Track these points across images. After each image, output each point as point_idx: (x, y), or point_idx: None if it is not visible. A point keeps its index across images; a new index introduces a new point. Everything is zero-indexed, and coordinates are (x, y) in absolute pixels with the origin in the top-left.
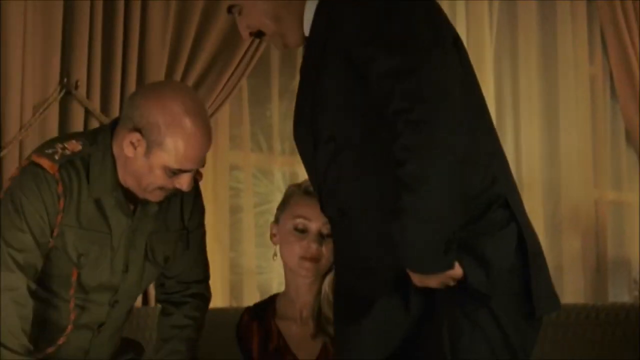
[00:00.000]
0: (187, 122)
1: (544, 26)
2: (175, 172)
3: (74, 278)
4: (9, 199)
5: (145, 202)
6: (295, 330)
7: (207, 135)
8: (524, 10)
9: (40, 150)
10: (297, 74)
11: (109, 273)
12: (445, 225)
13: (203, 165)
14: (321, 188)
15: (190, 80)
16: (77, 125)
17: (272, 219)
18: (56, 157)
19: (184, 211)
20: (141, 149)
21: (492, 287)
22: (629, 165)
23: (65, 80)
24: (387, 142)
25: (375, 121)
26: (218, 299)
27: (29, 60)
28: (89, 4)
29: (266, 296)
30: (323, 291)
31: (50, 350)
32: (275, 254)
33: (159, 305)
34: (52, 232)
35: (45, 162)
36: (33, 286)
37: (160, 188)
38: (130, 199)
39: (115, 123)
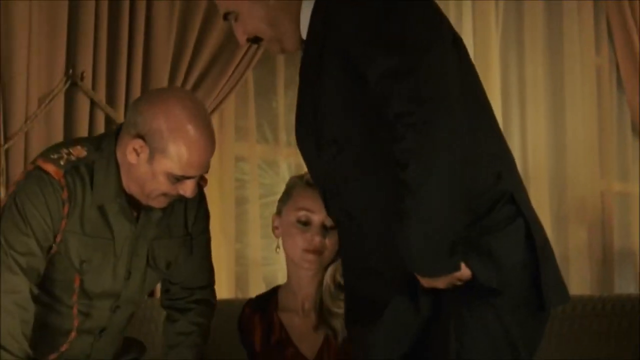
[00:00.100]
0: (190, 129)
1: (550, 17)
2: (178, 179)
3: (76, 284)
4: (13, 202)
5: (149, 209)
6: (298, 322)
7: (210, 141)
8: (529, 2)
9: (45, 155)
10: None
11: (112, 279)
12: (448, 227)
13: (207, 171)
14: (324, 188)
15: (196, 72)
16: (83, 117)
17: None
18: (61, 163)
19: (187, 217)
20: (144, 156)
21: (502, 283)
22: (636, 156)
23: (70, 71)
24: (387, 142)
25: (375, 121)
26: (224, 291)
27: (34, 51)
28: None
29: (272, 287)
30: (325, 283)
31: (52, 357)
32: (278, 247)
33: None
34: (55, 237)
35: (50, 168)
36: (35, 290)
37: (164, 194)
38: (133, 205)
39: (119, 129)
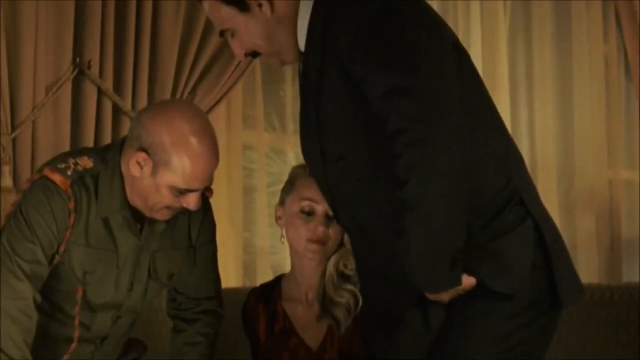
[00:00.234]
0: (194, 142)
1: (558, 5)
2: (182, 192)
3: (79, 295)
4: (19, 211)
5: (153, 221)
6: (301, 312)
7: (214, 154)
8: None
9: (52, 164)
10: None
11: (114, 291)
12: (449, 242)
13: (210, 184)
14: (334, 201)
15: (204, 60)
16: (90, 105)
17: None
18: (68, 173)
19: (191, 229)
20: (147, 169)
21: (512, 286)
22: None
23: (77, 59)
24: (391, 156)
25: (380, 137)
26: (232, 279)
27: (41, 40)
28: None
29: (276, 276)
30: (328, 273)
31: None
32: (282, 237)
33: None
34: (59, 247)
35: (57, 178)
36: (39, 298)
37: (168, 207)
38: (137, 218)
39: (124, 141)
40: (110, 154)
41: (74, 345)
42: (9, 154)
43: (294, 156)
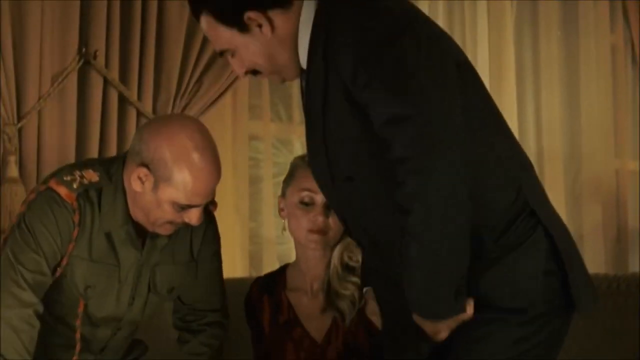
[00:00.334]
0: (195, 157)
1: None
2: (183, 207)
3: (80, 309)
4: (23, 221)
5: (155, 235)
6: (306, 302)
7: (215, 170)
8: None
9: (58, 176)
10: None
11: (115, 305)
12: (454, 271)
13: (212, 199)
14: (345, 217)
15: (210, 50)
16: (96, 95)
17: None
18: (74, 186)
19: (193, 242)
20: (149, 184)
21: (523, 298)
22: None
23: (83, 50)
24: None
25: (387, 157)
26: (238, 269)
27: (47, 30)
28: None
29: (280, 266)
30: (332, 265)
31: None
32: (284, 228)
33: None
34: (61, 259)
35: (63, 190)
36: (41, 308)
37: (170, 222)
38: (139, 232)
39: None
40: (114, 168)
41: (74, 359)
42: (14, 144)
43: (300, 146)
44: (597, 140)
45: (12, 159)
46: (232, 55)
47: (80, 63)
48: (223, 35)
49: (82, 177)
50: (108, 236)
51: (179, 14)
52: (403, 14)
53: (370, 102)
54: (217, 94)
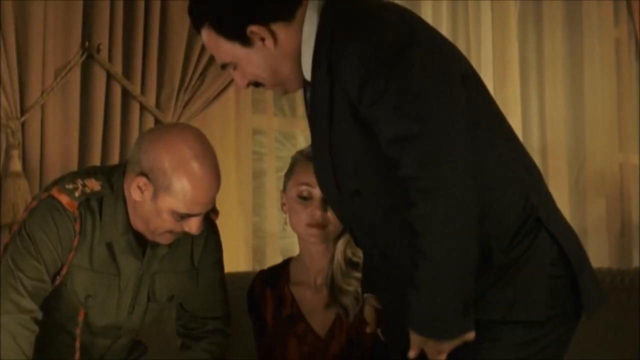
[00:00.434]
0: (195, 167)
1: None
2: (183, 216)
3: (80, 318)
4: (24, 229)
5: (155, 244)
6: (310, 296)
7: (215, 179)
8: None
9: (60, 184)
10: None
11: (115, 313)
12: (463, 289)
13: (211, 207)
14: (352, 228)
15: None
16: (99, 89)
17: None
18: (76, 195)
19: (194, 250)
20: (148, 193)
21: (536, 305)
22: None
23: (87, 44)
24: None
25: (395, 172)
26: (242, 263)
27: (50, 24)
28: None
29: (284, 260)
30: (335, 260)
31: None
32: (286, 223)
33: None
34: (61, 268)
35: (64, 199)
36: (40, 315)
37: (170, 231)
38: (140, 241)
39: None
40: (115, 177)
41: None
42: (18, 138)
43: (303, 140)
44: (601, 134)
45: (15, 153)
46: (234, 68)
47: (84, 57)
48: (225, 49)
49: (84, 185)
50: (109, 246)
51: (182, 7)
52: (406, 28)
53: (377, 120)
54: (221, 88)
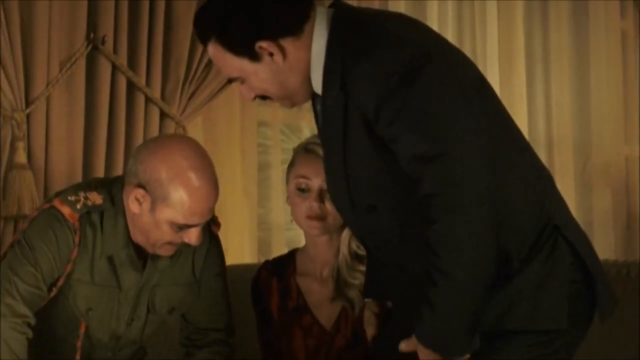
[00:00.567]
0: (192, 177)
1: None
2: (182, 227)
3: (81, 330)
4: (24, 237)
5: (156, 257)
6: (316, 289)
7: (213, 188)
8: None
9: (62, 196)
10: None
11: (114, 325)
12: (474, 309)
13: (210, 217)
14: (367, 243)
15: None
16: (104, 81)
17: None
18: (78, 207)
19: (195, 262)
20: (146, 205)
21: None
22: None
23: (92, 35)
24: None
25: (411, 186)
26: (247, 255)
27: (55, 15)
28: None
29: (289, 250)
30: (341, 253)
31: None
32: (292, 215)
33: None
34: (58, 279)
35: (66, 210)
36: (33, 322)
37: (169, 243)
38: (140, 254)
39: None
40: (115, 189)
41: None
42: (23, 131)
43: (309, 132)
44: (607, 127)
45: (21, 145)
46: (242, 82)
47: (89, 49)
48: (232, 64)
49: (86, 198)
50: (110, 259)
51: None
52: (421, 44)
53: (395, 139)
54: (226, 80)
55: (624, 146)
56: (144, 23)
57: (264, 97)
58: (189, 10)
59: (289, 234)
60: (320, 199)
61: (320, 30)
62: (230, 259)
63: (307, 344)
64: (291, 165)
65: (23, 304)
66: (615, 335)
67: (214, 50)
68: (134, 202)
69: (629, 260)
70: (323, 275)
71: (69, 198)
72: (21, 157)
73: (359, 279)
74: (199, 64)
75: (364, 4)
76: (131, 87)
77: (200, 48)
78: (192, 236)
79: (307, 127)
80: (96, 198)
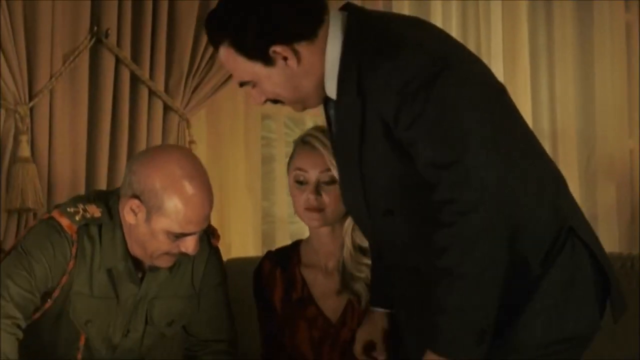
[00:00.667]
0: (186, 185)
1: None
2: (178, 236)
3: (81, 343)
4: (21, 246)
5: (155, 269)
6: (321, 280)
7: (207, 196)
8: None
9: (62, 208)
10: None
11: (110, 335)
12: (484, 315)
13: (206, 225)
14: (381, 247)
15: None
16: (108, 74)
17: None
18: (76, 218)
19: (194, 274)
20: (142, 215)
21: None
22: None
23: (95, 28)
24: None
25: (428, 189)
26: (251, 248)
27: (58, 8)
28: None
29: (293, 241)
30: (345, 246)
31: None
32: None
33: None
34: (53, 291)
35: (64, 221)
36: (23, 324)
37: (167, 253)
38: (138, 266)
39: None
40: (111, 202)
41: None
42: (26, 124)
43: (312, 125)
44: (611, 120)
45: (24, 139)
46: (253, 86)
47: (92, 42)
48: (245, 68)
49: (85, 210)
50: (109, 272)
51: None
52: (437, 49)
53: (413, 143)
54: (230, 73)
55: (628, 140)
56: (148, 16)
57: (275, 101)
58: (192, 3)
59: (293, 227)
60: (317, 191)
61: (335, 35)
62: (234, 252)
63: (311, 336)
64: (291, 158)
65: (14, 306)
66: (622, 327)
67: (226, 53)
68: (130, 213)
69: (634, 254)
70: (328, 268)
71: (68, 210)
72: (24, 151)
73: (364, 272)
74: (202, 57)
75: (367, 4)
76: (135, 80)
77: (203, 41)
78: (189, 245)
79: (310, 120)
80: (95, 211)
